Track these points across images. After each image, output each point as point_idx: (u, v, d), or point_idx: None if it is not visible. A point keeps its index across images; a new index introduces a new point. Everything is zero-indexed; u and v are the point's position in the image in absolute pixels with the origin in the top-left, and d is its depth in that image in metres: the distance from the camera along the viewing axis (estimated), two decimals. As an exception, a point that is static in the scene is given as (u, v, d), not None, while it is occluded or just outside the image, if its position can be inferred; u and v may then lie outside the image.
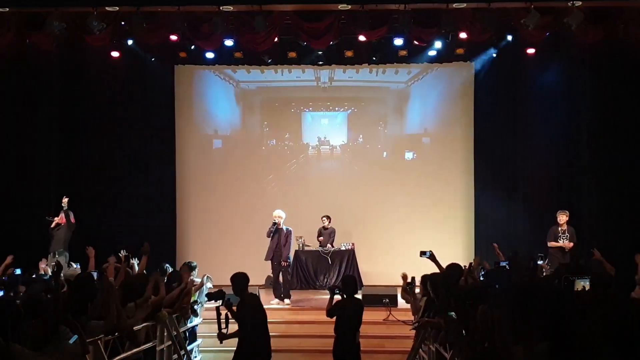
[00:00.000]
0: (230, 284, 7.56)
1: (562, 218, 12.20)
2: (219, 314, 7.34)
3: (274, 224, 12.36)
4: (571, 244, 11.99)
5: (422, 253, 8.97)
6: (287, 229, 12.41)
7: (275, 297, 12.42)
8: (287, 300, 12.35)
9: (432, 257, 8.56)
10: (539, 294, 4.49)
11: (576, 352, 4.05)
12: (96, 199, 14.40)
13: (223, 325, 7.30)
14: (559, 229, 12.17)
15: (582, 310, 4.73)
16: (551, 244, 12.14)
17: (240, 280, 7.59)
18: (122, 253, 9.53)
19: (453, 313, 6.20)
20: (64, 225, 12.41)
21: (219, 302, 7.41)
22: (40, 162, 13.91)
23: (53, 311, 5.20)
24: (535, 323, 4.29)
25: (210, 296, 7.50)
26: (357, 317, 7.78)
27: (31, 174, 13.84)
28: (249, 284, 7.70)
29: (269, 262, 12.54)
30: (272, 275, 13.01)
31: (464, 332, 5.87)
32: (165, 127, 15.09)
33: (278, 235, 12.36)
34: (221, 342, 7.38)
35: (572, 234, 12.12)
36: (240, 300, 7.50)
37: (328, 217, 14.27)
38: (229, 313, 7.50)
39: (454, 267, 7.79)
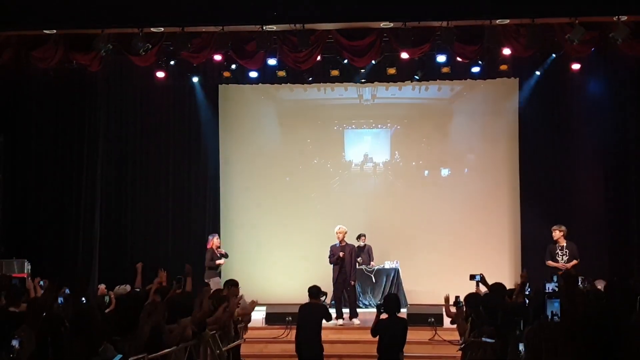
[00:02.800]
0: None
1: (556, 234, 11.67)
2: None
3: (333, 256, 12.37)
4: (570, 264, 11.41)
5: (472, 277, 8.90)
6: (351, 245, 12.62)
7: (338, 317, 12.26)
8: (355, 321, 12.31)
9: (482, 280, 8.47)
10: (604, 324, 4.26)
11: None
12: (141, 217, 14.59)
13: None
14: (556, 246, 11.67)
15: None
16: (549, 263, 11.65)
17: None
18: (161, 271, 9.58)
19: (487, 338, 6.10)
20: None
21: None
22: (87, 181, 14.13)
23: (98, 328, 5.23)
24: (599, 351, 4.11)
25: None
26: (400, 336, 7.72)
27: (77, 193, 14.06)
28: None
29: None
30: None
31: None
32: (209, 146, 15.21)
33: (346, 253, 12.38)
34: None
35: (572, 250, 11.56)
36: None
37: (364, 236, 14.15)
38: None
39: (497, 287, 7.69)
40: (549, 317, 6.04)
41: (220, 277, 12.67)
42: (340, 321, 12.27)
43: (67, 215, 13.99)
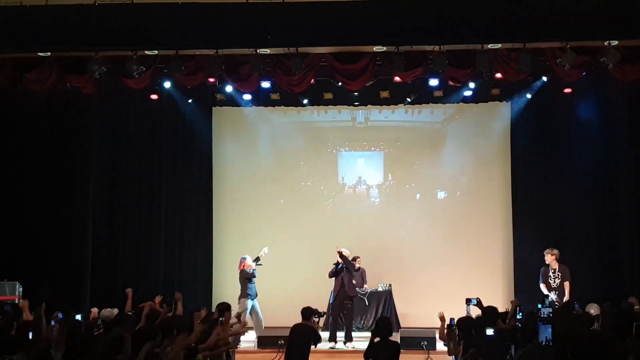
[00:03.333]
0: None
1: (549, 257, 11.76)
2: None
3: (338, 263, 12.41)
4: (566, 289, 11.49)
5: (468, 300, 8.91)
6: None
7: (331, 340, 12.30)
8: (349, 344, 12.30)
9: (479, 305, 8.46)
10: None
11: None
12: (133, 239, 14.56)
13: None
14: (549, 269, 11.74)
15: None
16: (542, 286, 11.75)
17: None
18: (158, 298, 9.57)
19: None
20: None
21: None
22: (79, 203, 14.09)
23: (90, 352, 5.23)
24: None
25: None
26: None
27: (69, 215, 14.03)
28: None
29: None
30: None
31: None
32: (203, 168, 15.23)
33: (343, 275, 12.43)
34: None
35: (564, 273, 11.63)
36: None
37: (358, 258, 14.13)
38: None
39: (489, 310, 7.69)
40: (542, 341, 6.06)
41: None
42: (332, 344, 12.25)
43: (59, 238, 13.93)
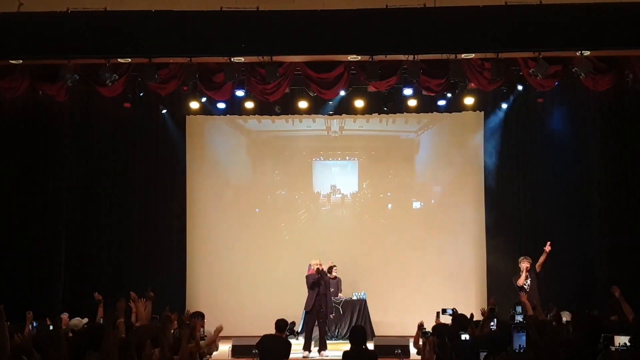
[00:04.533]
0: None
1: (522, 265, 12.05)
2: None
3: (318, 270, 12.39)
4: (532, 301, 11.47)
5: (444, 311, 8.93)
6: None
7: (305, 349, 12.28)
8: (324, 353, 12.26)
9: (455, 315, 8.47)
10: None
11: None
12: (107, 249, 14.42)
13: None
14: (522, 276, 11.96)
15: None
16: (515, 281, 12.06)
17: None
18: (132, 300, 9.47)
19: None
20: None
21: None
22: (52, 213, 13.94)
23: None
24: None
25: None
26: None
27: (42, 224, 13.86)
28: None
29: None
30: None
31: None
32: (176, 177, 15.15)
33: (321, 285, 12.38)
34: None
35: (533, 280, 11.93)
36: None
37: (334, 267, 14.14)
38: None
39: (460, 318, 7.71)
40: (516, 349, 6.06)
41: None
42: (307, 353, 12.22)
43: (32, 245, 13.73)
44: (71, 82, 11.85)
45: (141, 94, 13.20)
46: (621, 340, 6.06)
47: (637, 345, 5.77)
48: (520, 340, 6.77)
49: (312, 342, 12.41)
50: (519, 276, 12.03)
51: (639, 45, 11.35)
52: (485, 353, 5.64)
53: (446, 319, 9.22)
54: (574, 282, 13.73)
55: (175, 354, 7.60)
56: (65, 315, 9.89)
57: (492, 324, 8.74)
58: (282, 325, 8.99)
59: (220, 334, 9.48)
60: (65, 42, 11.46)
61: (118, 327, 7.58)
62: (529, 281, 11.94)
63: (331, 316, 12.53)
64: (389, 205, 15.52)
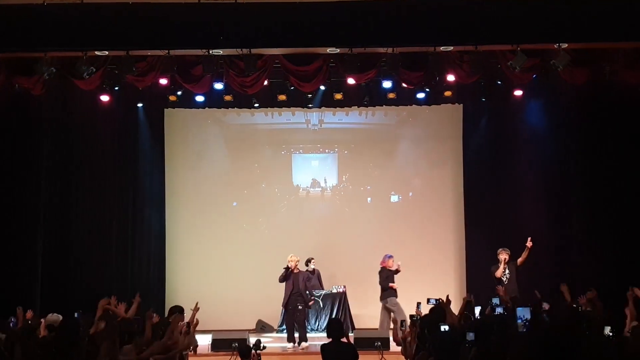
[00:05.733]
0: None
1: (501, 257, 12.10)
2: None
3: (287, 268, 12.39)
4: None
5: (428, 300, 8.99)
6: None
7: (289, 341, 12.45)
8: (304, 344, 12.35)
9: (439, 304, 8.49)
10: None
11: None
12: (85, 243, 14.30)
13: None
14: (501, 267, 12.04)
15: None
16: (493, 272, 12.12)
17: None
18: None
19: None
20: None
21: None
22: (28, 204, 13.75)
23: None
24: None
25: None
26: None
27: (19, 217, 13.70)
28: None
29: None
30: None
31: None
32: (155, 170, 15.08)
33: (293, 280, 12.39)
34: None
35: (512, 272, 12.01)
36: None
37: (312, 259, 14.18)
38: None
39: (436, 310, 7.73)
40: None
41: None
42: (291, 344, 12.36)
43: (9, 239, 13.57)
44: (48, 75, 11.73)
45: (119, 87, 13.06)
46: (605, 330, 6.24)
47: (619, 333, 5.93)
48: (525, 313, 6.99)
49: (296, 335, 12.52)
50: (497, 267, 12.10)
51: (616, 38, 11.41)
52: (472, 334, 5.66)
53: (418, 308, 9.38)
54: (552, 274, 13.80)
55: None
56: (30, 312, 9.76)
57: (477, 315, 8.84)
58: (245, 352, 8.11)
59: (200, 328, 9.44)
60: (41, 35, 11.29)
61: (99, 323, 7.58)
62: (507, 272, 12.00)
63: (310, 303, 12.62)
64: (371, 197, 15.54)
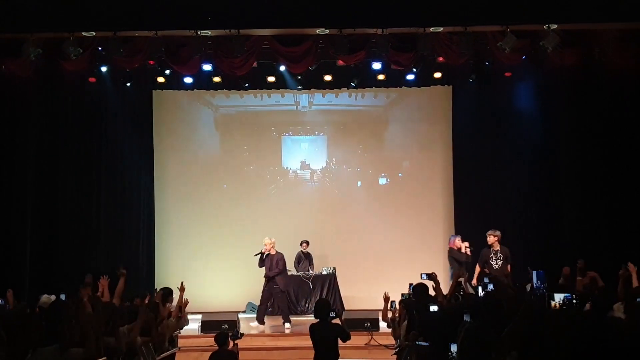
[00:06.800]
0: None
1: (491, 239, 11.92)
2: None
3: (260, 252, 12.42)
4: (508, 268, 11.77)
5: (421, 275, 9.04)
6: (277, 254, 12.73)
7: (257, 320, 12.57)
8: (287, 325, 12.42)
9: (431, 278, 8.48)
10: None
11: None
12: (73, 225, 14.23)
13: None
14: (490, 250, 11.91)
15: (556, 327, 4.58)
16: (478, 269, 12.02)
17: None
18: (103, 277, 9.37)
19: (421, 342, 6.15)
20: None
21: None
22: (17, 187, 13.68)
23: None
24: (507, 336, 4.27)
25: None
26: (328, 342, 7.51)
27: (8, 199, 13.62)
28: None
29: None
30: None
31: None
32: (143, 152, 14.97)
33: (269, 262, 12.50)
34: None
35: (505, 254, 11.86)
36: None
37: (307, 242, 14.25)
38: None
39: (419, 288, 7.76)
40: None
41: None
42: (255, 324, 12.54)
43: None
44: (35, 57, 11.64)
45: (106, 69, 12.96)
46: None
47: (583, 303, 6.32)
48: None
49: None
50: (488, 251, 11.97)
51: (606, 19, 11.41)
52: (469, 314, 5.66)
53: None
54: (541, 257, 13.84)
55: (146, 334, 7.58)
56: (9, 292, 9.73)
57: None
58: (222, 340, 8.16)
59: (190, 310, 9.44)
60: (28, 16, 11.23)
61: (84, 303, 7.53)
62: (500, 255, 11.84)
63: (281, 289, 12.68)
64: (360, 179, 15.53)
